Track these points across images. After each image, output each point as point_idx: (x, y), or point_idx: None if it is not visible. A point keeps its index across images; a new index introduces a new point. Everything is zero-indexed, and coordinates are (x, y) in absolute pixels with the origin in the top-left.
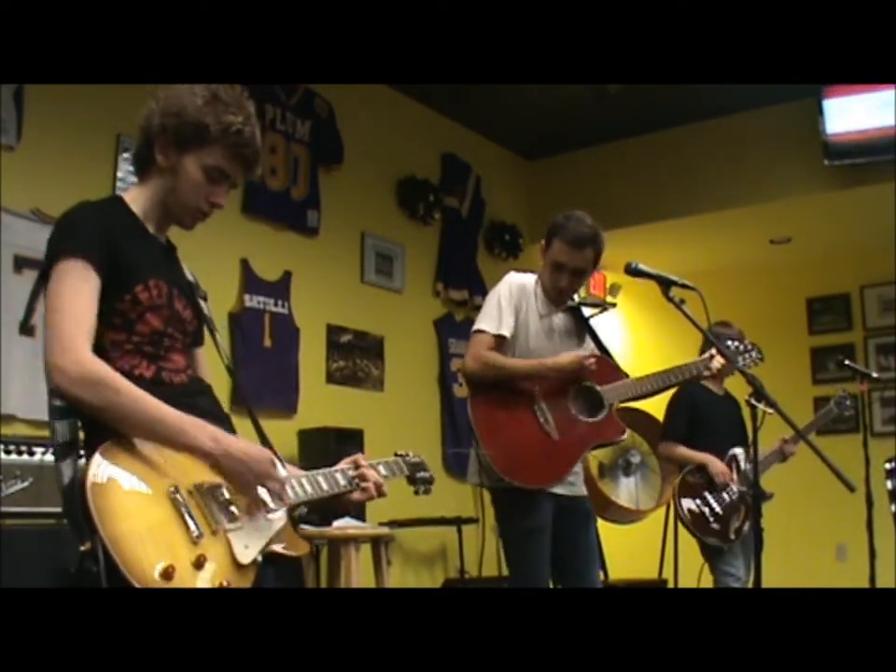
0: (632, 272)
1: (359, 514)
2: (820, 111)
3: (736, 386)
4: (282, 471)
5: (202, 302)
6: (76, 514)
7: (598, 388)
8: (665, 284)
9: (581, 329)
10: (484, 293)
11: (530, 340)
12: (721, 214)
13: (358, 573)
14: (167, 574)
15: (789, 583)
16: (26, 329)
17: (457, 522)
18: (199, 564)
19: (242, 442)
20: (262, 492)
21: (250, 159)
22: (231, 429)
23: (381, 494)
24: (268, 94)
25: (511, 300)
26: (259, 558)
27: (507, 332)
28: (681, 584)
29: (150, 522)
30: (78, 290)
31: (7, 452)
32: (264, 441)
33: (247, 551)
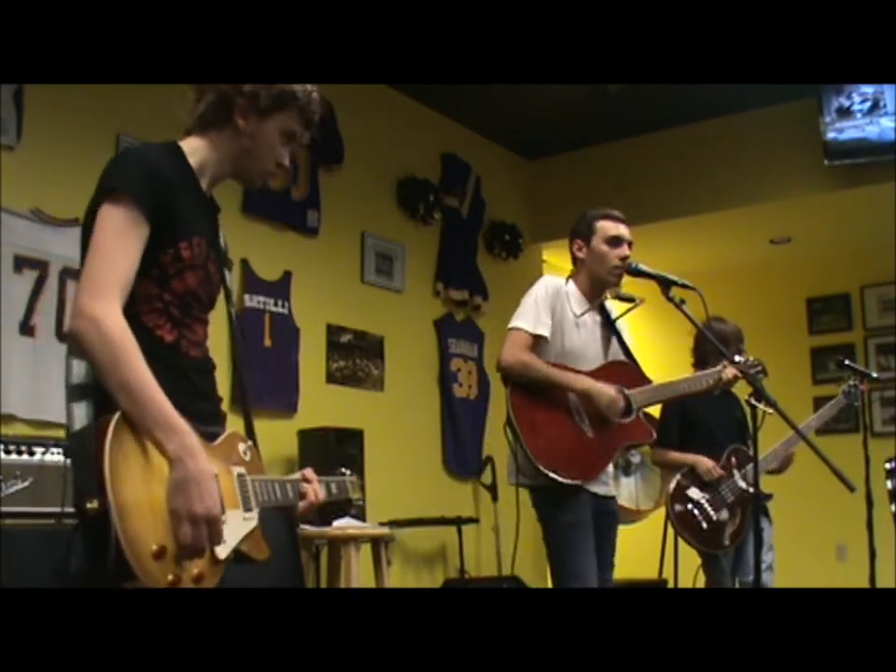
0: (632, 272)
1: (359, 514)
2: (820, 111)
3: (736, 386)
4: (223, 516)
5: (226, 273)
6: (86, 466)
7: (627, 392)
8: (665, 284)
9: (609, 331)
10: (485, 293)
11: (565, 341)
12: (720, 214)
13: (358, 573)
14: (159, 555)
15: (789, 583)
16: (26, 328)
17: (457, 522)
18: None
19: (203, 474)
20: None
21: (315, 121)
22: (220, 413)
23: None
24: None
25: (547, 300)
26: (231, 556)
27: (545, 332)
28: (681, 584)
29: (153, 498)
30: (125, 235)
31: (7, 452)
32: (251, 436)
33: (224, 546)
